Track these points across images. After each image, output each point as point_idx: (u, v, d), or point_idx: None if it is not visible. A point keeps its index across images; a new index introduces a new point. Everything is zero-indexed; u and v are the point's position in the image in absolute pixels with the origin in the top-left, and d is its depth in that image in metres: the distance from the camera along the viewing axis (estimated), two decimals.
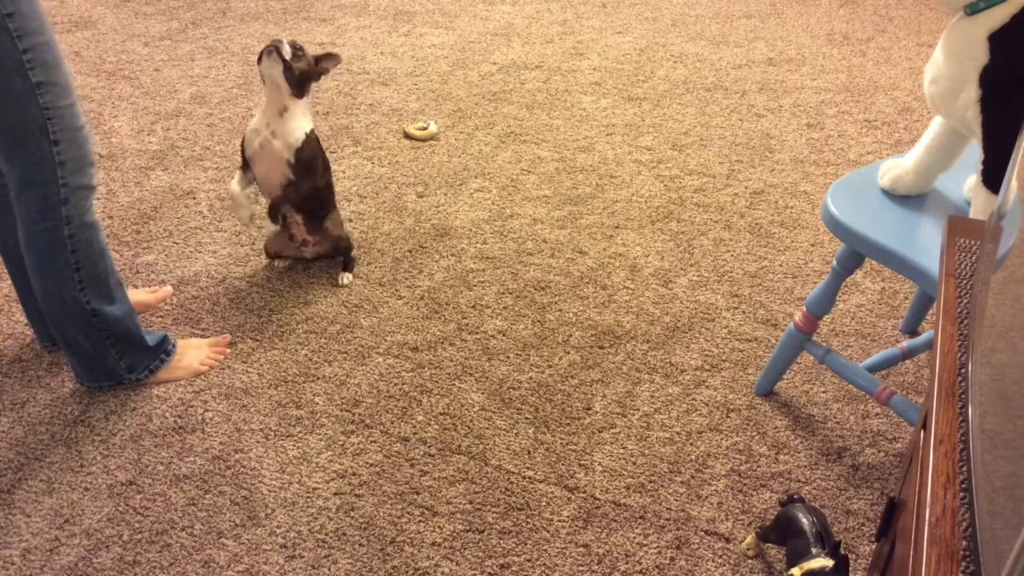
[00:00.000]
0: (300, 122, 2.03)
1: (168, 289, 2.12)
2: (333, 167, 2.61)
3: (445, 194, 2.50)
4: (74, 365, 1.82)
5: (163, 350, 1.86)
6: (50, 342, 1.94)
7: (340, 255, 2.20)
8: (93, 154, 1.62)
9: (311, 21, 3.61)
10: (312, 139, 2.05)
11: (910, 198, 1.58)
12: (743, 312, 2.07)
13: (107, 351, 1.77)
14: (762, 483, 1.66)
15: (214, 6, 3.74)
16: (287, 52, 1.98)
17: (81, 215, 1.62)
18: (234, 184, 2.05)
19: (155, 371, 1.85)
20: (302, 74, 2.01)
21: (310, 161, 2.05)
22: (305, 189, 2.07)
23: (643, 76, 3.18)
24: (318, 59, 2.06)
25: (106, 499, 1.63)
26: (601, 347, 1.97)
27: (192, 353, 1.90)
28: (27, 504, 1.62)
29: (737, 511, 1.61)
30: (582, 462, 1.70)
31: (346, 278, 2.17)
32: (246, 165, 2.06)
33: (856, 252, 1.55)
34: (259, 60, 1.99)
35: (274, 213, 2.07)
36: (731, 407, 1.82)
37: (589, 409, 1.82)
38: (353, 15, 3.67)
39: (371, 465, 1.69)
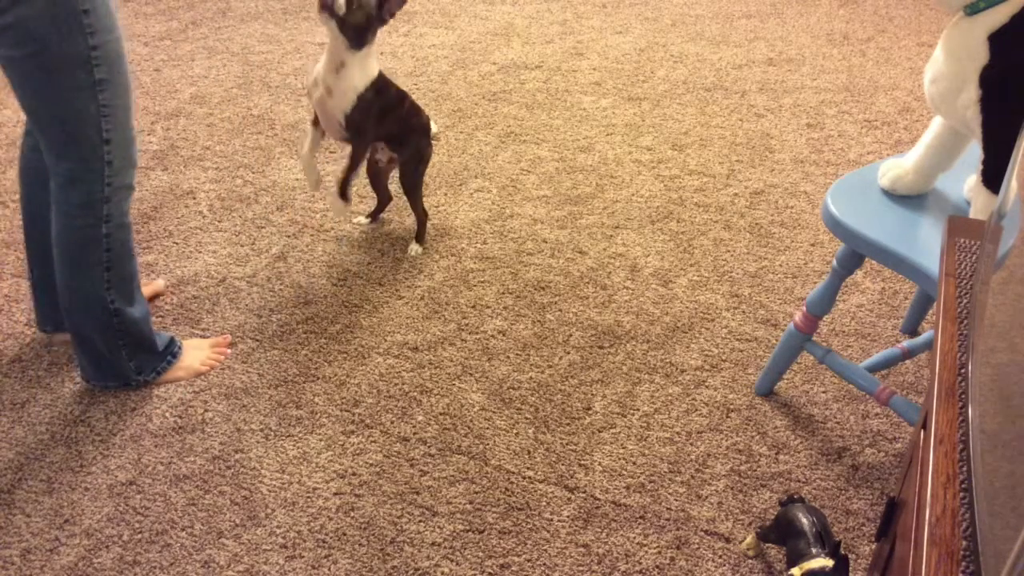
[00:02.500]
0: (355, 80, 1.98)
1: (160, 283, 2.12)
2: (332, 167, 2.61)
3: (445, 194, 2.50)
4: (83, 363, 1.82)
5: (170, 352, 1.86)
6: (51, 327, 1.93)
7: (411, 167, 2.23)
8: (137, 155, 1.65)
9: (311, 21, 3.61)
10: (366, 99, 2.00)
11: (910, 198, 1.58)
12: (743, 312, 2.07)
13: (118, 351, 1.78)
14: (762, 483, 1.66)
15: (214, 6, 3.74)
16: (341, 7, 1.89)
17: (121, 215, 1.65)
18: (304, 147, 2.10)
19: (162, 373, 1.85)
20: (358, 27, 1.93)
21: (360, 123, 2.02)
22: (369, 139, 2.09)
23: (643, 76, 3.18)
24: (381, 3, 1.95)
25: (106, 499, 1.63)
26: (601, 347, 1.97)
27: (193, 353, 1.90)
28: (27, 504, 1.62)
29: (737, 511, 1.61)
30: (582, 462, 1.70)
31: (414, 248, 2.25)
32: (316, 119, 2.08)
33: (856, 252, 1.55)
34: (319, 9, 1.90)
35: (344, 189, 2.08)
36: (731, 407, 1.82)
37: (589, 409, 1.82)
38: None
39: (371, 465, 1.69)
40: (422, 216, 2.27)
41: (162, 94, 3.01)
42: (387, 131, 2.13)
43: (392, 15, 1.99)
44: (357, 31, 1.93)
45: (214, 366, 1.91)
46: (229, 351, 1.95)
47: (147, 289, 2.08)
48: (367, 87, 2.00)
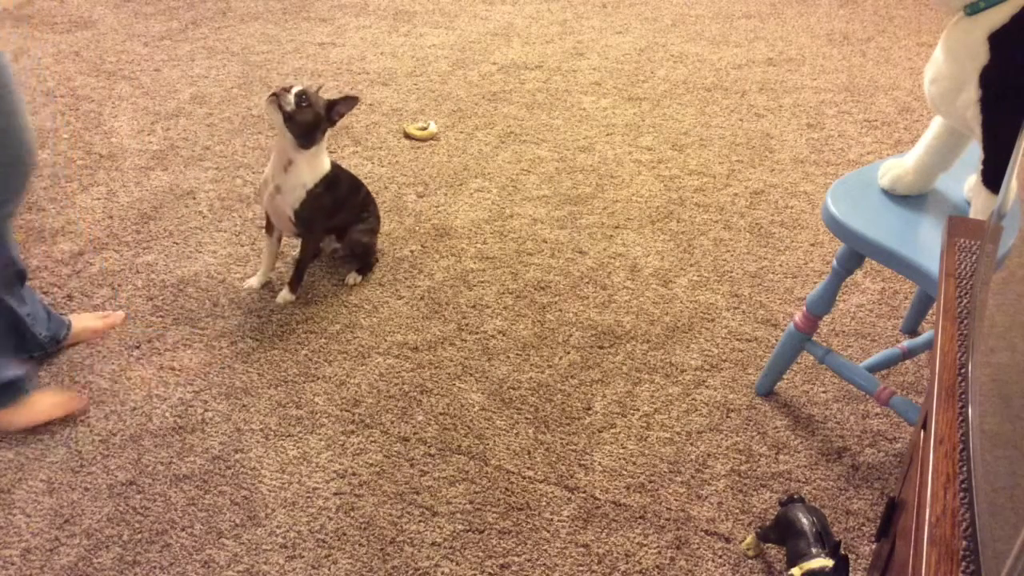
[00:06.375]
0: (304, 176, 1.97)
1: (120, 314, 2.03)
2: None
3: (445, 194, 2.50)
4: None
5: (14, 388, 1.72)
6: None
7: (357, 259, 2.19)
8: (23, 182, 1.60)
9: (311, 21, 3.61)
10: (315, 195, 1.99)
11: (910, 198, 1.58)
12: (743, 312, 2.07)
13: None
14: (762, 483, 1.66)
15: (214, 6, 3.74)
16: (289, 103, 1.89)
17: None
18: (262, 266, 2.15)
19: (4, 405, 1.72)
20: (307, 125, 1.92)
21: (309, 220, 2.02)
22: (320, 233, 2.09)
23: (643, 76, 3.18)
24: (331, 104, 1.95)
25: (106, 499, 1.63)
26: (601, 347, 1.97)
27: (45, 403, 1.76)
28: (27, 504, 1.62)
29: (737, 511, 1.61)
30: (582, 462, 1.70)
31: (352, 278, 2.16)
32: (268, 224, 2.10)
33: (856, 252, 1.55)
34: (267, 102, 1.91)
35: (295, 284, 2.10)
36: (731, 407, 1.82)
37: (589, 409, 1.82)
38: (353, 15, 3.67)
39: (371, 465, 1.69)
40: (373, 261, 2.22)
41: (162, 94, 3.01)
42: (337, 223, 2.13)
43: (341, 116, 1.99)
44: (304, 130, 1.92)
45: (71, 413, 1.77)
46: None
47: (103, 322, 1.98)
48: (316, 183, 1.99)
